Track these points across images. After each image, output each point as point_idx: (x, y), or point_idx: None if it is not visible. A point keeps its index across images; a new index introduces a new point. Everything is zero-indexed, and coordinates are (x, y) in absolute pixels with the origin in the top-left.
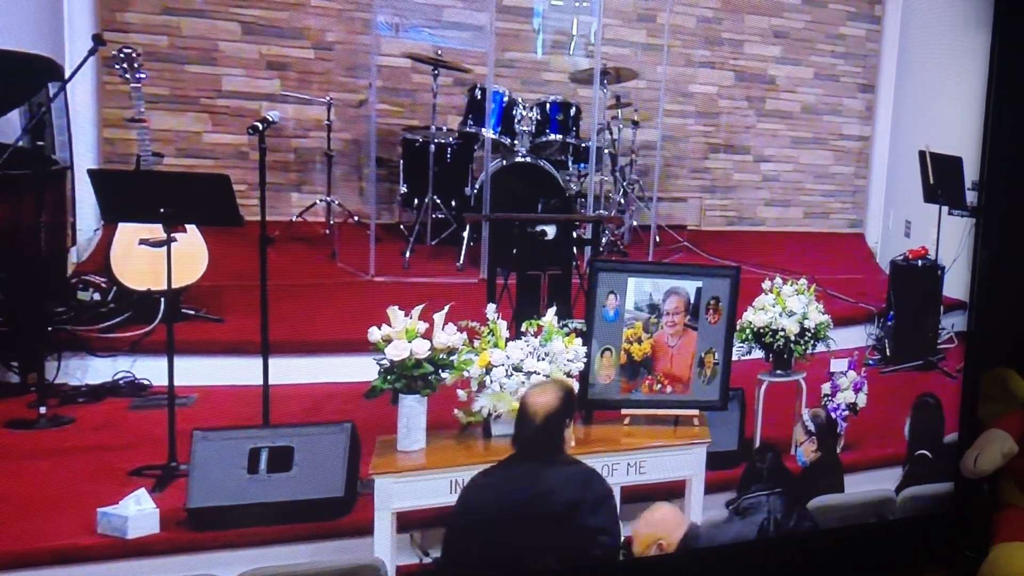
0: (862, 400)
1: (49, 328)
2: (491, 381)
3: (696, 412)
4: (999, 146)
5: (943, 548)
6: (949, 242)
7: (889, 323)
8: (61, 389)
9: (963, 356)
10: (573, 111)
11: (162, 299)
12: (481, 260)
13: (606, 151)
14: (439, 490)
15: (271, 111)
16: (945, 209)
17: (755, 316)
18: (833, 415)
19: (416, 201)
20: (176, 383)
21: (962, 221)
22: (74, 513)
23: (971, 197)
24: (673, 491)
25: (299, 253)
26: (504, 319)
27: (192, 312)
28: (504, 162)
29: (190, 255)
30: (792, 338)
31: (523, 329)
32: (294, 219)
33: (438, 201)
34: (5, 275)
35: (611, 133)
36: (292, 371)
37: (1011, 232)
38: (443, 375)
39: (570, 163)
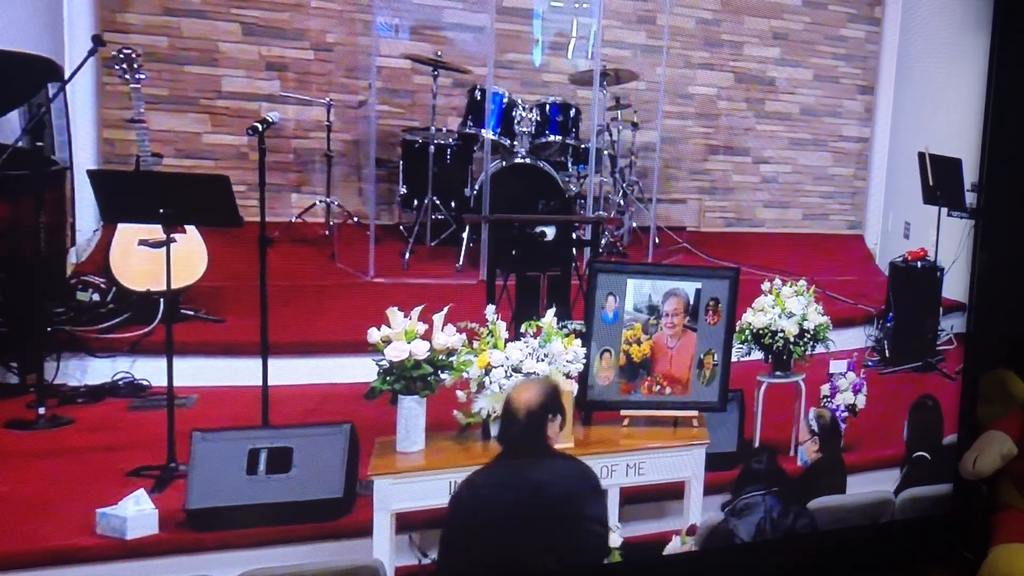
0: (861, 401)
1: (48, 328)
2: (490, 382)
3: (695, 413)
4: (998, 148)
5: (942, 549)
6: (948, 244)
7: (888, 324)
8: (60, 390)
9: (962, 357)
10: (573, 112)
11: (161, 300)
12: (480, 261)
13: (606, 152)
14: (438, 491)
15: (271, 112)
16: (944, 211)
17: (754, 317)
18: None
19: (416, 202)
20: (175, 384)
21: (961, 223)
22: (73, 514)
23: (970, 199)
24: (672, 492)
25: (299, 254)
26: (503, 320)
27: (191, 313)
28: (504, 163)
29: (189, 256)
30: (791, 339)
31: (522, 330)
32: (294, 220)
33: (437, 202)
34: (4, 275)
35: (611, 134)
36: (291, 372)
37: (1010, 234)
38: (442, 376)
39: (570, 164)
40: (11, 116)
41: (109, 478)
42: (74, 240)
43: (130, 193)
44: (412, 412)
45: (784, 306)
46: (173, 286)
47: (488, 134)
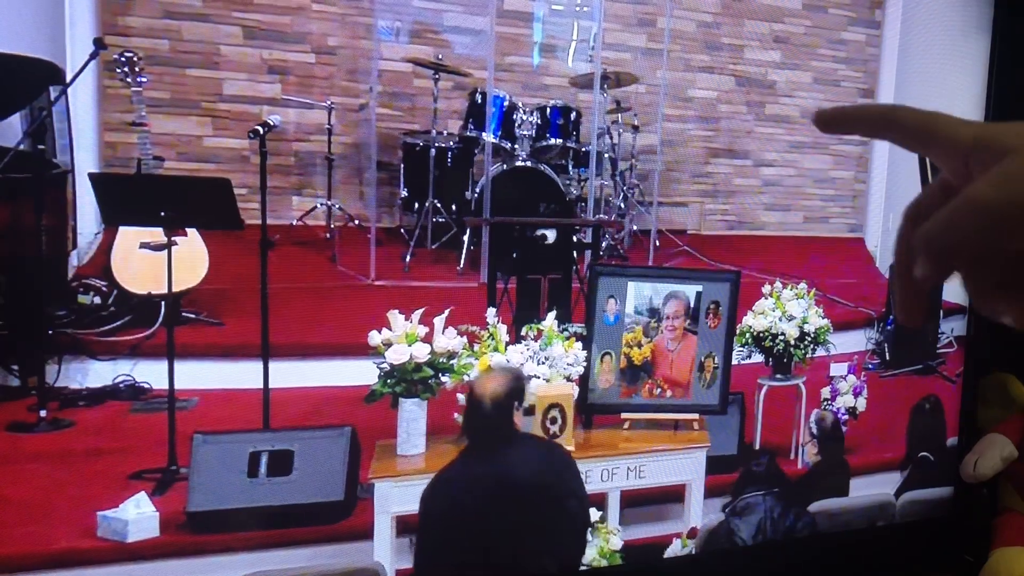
0: (862, 404)
1: (49, 331)
2: None
3: (696, 416)
4: None
5: (943, 552)
6: None
7: (889, 327)
8: (61, 392)
9: (963, 360)
10: (573, 116)
11: (162, 303)
12: (481, 264)
13: (606, 155)
14: None
15: (272, 115)
16: None
17: (755, 320)
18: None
19: (416, 205)
20: (176, 386)
21: None
22: (74, 516)
23: None
24: (673, 495)
25: (299, 257)
26: (504, 323)
27: (192, 316)
28: (504, 166)
29: (191, 259)
30: (792, 342)
31: (523, 333)
32: (294, 223)
33: (438, 205)
34: (5, 278)
35: (611, 137)
36: (292, 375)
37: None
38: (443, 379)
39: (570, 167)
40: (12, 119)
41: (110, 481)
42: (75, 243)
43: (131, 196)
44: (413, 415)
45: (784, 309)
46: (174, 289)
47: (489, 137)
